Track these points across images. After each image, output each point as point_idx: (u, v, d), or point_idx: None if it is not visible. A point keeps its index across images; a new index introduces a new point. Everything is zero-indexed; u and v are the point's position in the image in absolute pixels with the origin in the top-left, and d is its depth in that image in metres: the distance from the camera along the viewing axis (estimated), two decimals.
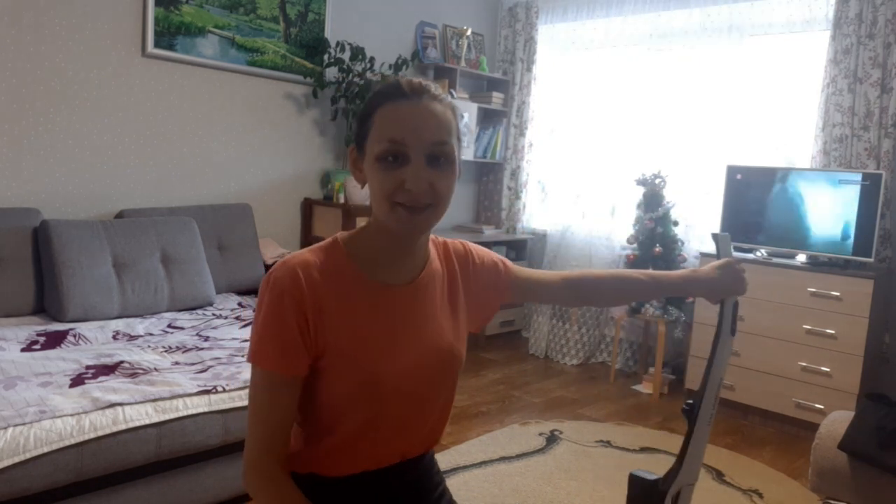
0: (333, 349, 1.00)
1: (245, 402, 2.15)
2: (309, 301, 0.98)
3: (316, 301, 0.99)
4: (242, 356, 2.39)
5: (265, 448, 1.00)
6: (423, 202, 0.97)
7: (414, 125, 0.97)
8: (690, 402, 1.18)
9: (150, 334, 2.62)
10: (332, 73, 3.88)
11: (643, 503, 1.14)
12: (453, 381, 1.14)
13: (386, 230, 1.03)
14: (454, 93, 4.42)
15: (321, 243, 1.06)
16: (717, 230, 3.57)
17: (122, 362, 2.21)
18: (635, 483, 1.15)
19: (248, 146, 3.69)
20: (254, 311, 1.03)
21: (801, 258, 3.38)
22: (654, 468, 1.22)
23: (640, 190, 3.87)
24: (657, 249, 3.74)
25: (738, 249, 3.55)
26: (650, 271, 1.33)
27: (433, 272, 1.11)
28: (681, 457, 1.16)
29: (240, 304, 3.17)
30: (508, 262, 1.26)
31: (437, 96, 1.01)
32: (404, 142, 0.96)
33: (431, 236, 1.14)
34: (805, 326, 3.20)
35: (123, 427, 1.87)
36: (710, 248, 3.69)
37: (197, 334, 2.65)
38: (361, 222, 3.69)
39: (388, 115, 0.98)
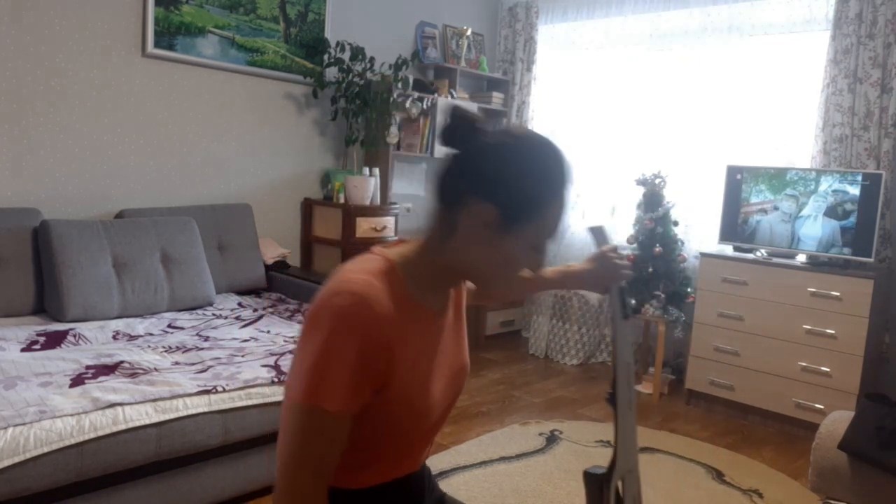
0: (393, 383, 0.95)
1: (245, 403, 2.15)
2: (381, 336, 0.91)
3: (385, 335, 0.92)
4: (243, 356, 2.39)
5: (312, 491, 0.91)
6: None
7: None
8: (611, 391, 1.21)
9: (150, 334, 2.62)
10: (332, 73, 3.88)
11: (596, 496, 1.17)
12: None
13: (454, 269, 1.01)
14: (454, 93, 4.42)
15: (374, 265, 0.97)
16: (716, 230, 3.59)
17: (122, 362, 2.21)
18: (588, 479, 1.18)
19: (248, 146, 3.69)
20: (303, 333, 0.94)
21: (801, 258, 3.38)
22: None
23: (640, 190, 3.87)
24: (657, 249, 3.74)
25: (738, 249, 3.55)
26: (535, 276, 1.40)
27: (454, 302, 1.13)
28: (615, 446, 1.19)
29: (240, 304, 3.17)
30: None
31: None
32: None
33: None
34: (805, 326, 3.20)
35: (123, 427, 1.87)
36: (711, 248, 3.70)
37: (197, 334, 2.65)
38: (362, 222, 3.72)
39: (558, 210, 0.96)
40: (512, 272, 0.98)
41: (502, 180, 0.93)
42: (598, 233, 1.34)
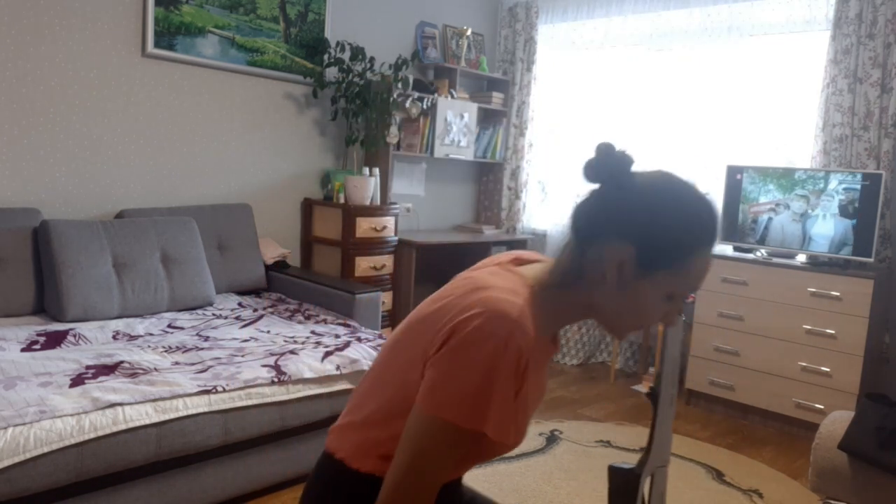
0: (519, 406, 0.96)
1: (245, 403, 2.15)
2: (526, 367, 0.91)
3: (527, 366, 0.92)
4: (243, 356, 2.39)
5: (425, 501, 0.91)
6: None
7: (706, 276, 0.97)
8: (654, 386, 1.21)
9: (150, 334, 2.62)
10: (332, 73, 3.88)
11: (623, 491, 1.16)
12: None
13: (587, 310, 0.99)
14: (454, 93, 4.42)
15: (519, 286, 0.96)
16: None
17: (122, 362, 2.21)
18: (614, 474, 1.17)
19: (248, 146, 3.69)
20: (455, 350, 0.90)
21: (801, 258, 3.38)
22: None
23: None
24: None
25: (738, 249, 3.55)
26: None
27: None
28: (650, 441, 1.18)
29: (240, 304, 3.17)
30: None
31: None
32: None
33: None
34: (805, 326, 3.20)
35: (123, 427, 1.87)
36: None
37: (197, 334, 2.65)
38: (362, 222, 3.72)
39: (701, 266, 0.94)
40: (642, 321, 0.95)
41: (647, 222, 0.92)
42: None
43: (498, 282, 0.95)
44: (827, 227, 3.24)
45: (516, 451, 2.84)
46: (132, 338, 2.56)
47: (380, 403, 1.00)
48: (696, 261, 0.92)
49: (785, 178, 3.36)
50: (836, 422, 2.24)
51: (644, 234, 0.91)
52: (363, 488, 1.01)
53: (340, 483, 1.03)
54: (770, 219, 3.41)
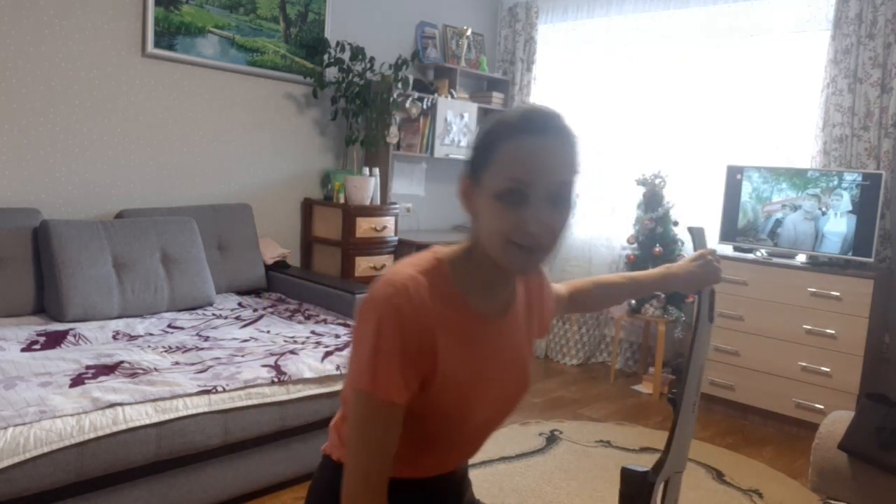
0: (440, 378, 0.96)
1: (245, 403, 2.15)
2: (425, 328, 0.93)
3: (428, 326, 0.94)
4: (243, 356, 2.39)
5: (374, 480, 0.94)
6: (541, 243, 0.93)
7: (540, 166, 0.91)
8: (674, 391, 1.21)
9: (150, 334, 2.62)
10: (332, 73, 3.88)
11: (635, 494, 1.15)
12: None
13: (491, 261, 0.97)
14: (454, 93, 4.42)
15: (423, 260, 1.00)
16: (716, 230, 3.59)
17: (122, 362, 2.21)
18: (627, 476, 1.16)
19: (248, 146, 3.69)
20: (355, 327, 0.98)
21: (801, 258, 3.38)
22: None
23: (640, 190, 3.87)
24: (657, 249, 3.74)
25: (738, 249, 3.56)
26: (630, 274, 1.39)
27: (519, 300, 1.10)
28: (668, 446, 1.17)
29: (240, 304, 3.17)
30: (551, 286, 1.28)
31: (564, 129, 0.95)
32: (528, 182, 0.91)
33: None
34: (805, 326, 3.20)
35: (123, 427, 1.87)
36: (710, 247, 3.69)
37: (197, 334, 2.65)
38: (362, 222, 3.72)
39: (513, 151, 0.91)
40: (494, 235, 0.93)
41: (471, 143, 0.99)
42: (697, 234, 1.35)
43: (402, 262, 0.99)
44: (839, 226, 3.22)
45: (516, 451, 2.84)
46: (132, 338, 2.56)
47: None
48: (506, 148, 0.92)
49: (798, 177, 3.35)
50: (836, 422, 2.24)
51: (469, 153, 0.98)
52: None
53: (337, 482, 1.03)
54: (782, 218, 3.39)
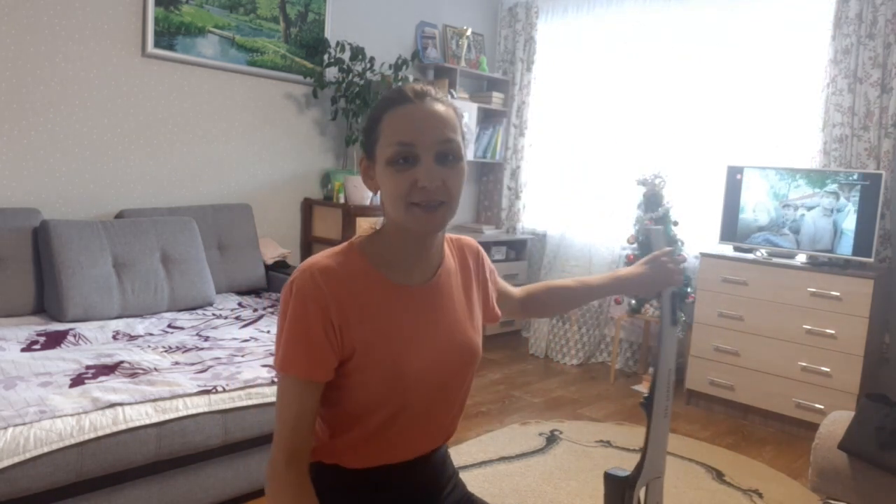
0: (361, 350, 1.02)
1: (245, 403, 2.15)
2: (333, 305, 1.00)
3: (340, 305, 1.01)
4: (243, 356, 2.39)
5: (289, 451, 1.01)
6: (437, 199, 1.00)
7: (421, 126, 1.00)
8: (647, 396, 1.20)
9: (150, 334, 2.62)
10: (332, 73, 3.88)
11: (616, 499, 1.15)
12: (472, 374, 1.18)
13: (402, 232, 1.05)
14: (454, 93, 4.42)
15: (337, 248, 1.08)
16: (717, 230, 3.59)
17: (122, 362, 2.21)
18: (608, 481, 1.17)
19: (248, 146, 3.69)
20: (277, 316, 1.08)
21: (801, 258, 3.38)
22: None
23: (640, 190, 3.87)
24: None
25: (738, 249, 3.55)
26: (582, 278, 1.41)
27: (449, 269, 1.15)
28: (643, 452, 1.17)
29: (240, 304, 3.17)
30: (495, 271, 1.33)
31: (439, 98, 1.04)
32: (413, 142, 0.99)
33: (445, 235, 1.17)
34: (805, 326, 3.20)
35: (123, 427, 1.87)
36: (711, 248, 3.70)
37: (197, 334, 2.65)
38: (362, 222, 3.71)
39: (394, 119, 1.01)
40: (395, 201, 1.01)
41: (360, 130, 1.06)
42: (654, 234, 1.32)
43: (319, 254, 1.07)
44: (839, 225, 3.21)
45: (516, 451, 2.84)
46: (132, 338, 2.56)
47: None
48: (388, 119, 1.02)
49: (797, 176, 3.34)
50: (836, 422, 2.24)
51: (361, 136, 1.09)
52: (329, 478, 1.09)
53: (316, 480, 1.08)
54: (802, 215, 3.37)
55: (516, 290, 1.39)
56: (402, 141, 0.99)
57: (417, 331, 1.08)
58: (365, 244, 1.08)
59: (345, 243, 1.09)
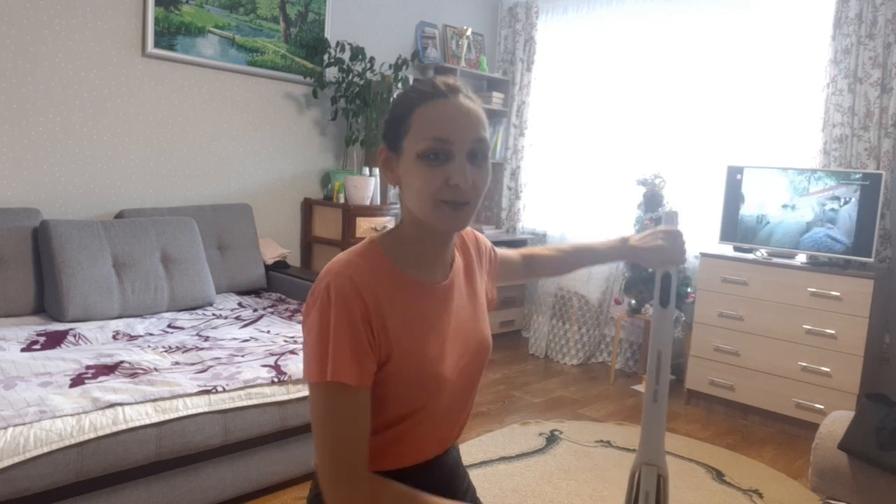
0: (397, 353, 0.99)
1: (245, 403, 2.15)
2: (373, 309, 0.96)
3: (377, 306, 0.97)
4: (243, 356, 2.39)
5: (351, 468, 0.94)
6: (467, 198, 0.98)
7: (457, 123, 0.97)
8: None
9: (150, 334, 2.62)
10: (332, 73, 3.88)
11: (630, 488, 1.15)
12: (485, 368, 1.18)
13: (424, 230, 1.03)
14: None
15: (359, 247, 1.04)
16: (716, 231, 3.59)
17: (122, 362, 2.21)
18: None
19: (248, 146, 3.69)
20: (302, 324, 1.01)
21: (801, 258, 3.38)
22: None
23: (640, 190, 3.87)
24: None
25: (738, 249, 3.55)
26: (588, 243, 1.40)
27: (459, 266, 1.14)
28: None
29: (240, 304, 3.17)
30: (495, 248, 1.32)
31: (469, 95, 1.02)
32: (449, 139, 0.96)
33: None
34: (805, 326, 3.20)
35: (123, 427, 1.87)
36: (710, 248, 3.70)
37: (197, 334, 2.65)
38: (362, 222, 3.72)
39: (429, 113, 0.97)
40: (423, 196, 0.97)
41: (385, 118, 1.04)
42: (671, 217, 1.29)
43: (341, 253, 1.04)
44: (839, 225, 3.21)
45: (516, 451, 2.84)
46: (132, 338, 2.56)
47: None
48: (422, 113, 0.98)
49: (798, 177, 3.34)
50: (836, 422, 2.24)
51: (384, 127, 1.04)
52: None
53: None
54: (802, 215, 3.38)
55: (517, 254, 1.38)
56: (438, 136, 0.96)
57: (444, 330, 1.06)
58: (386, 242, 1.05)
59: (364, 242, 1.05)
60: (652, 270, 1.31)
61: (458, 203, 0.97)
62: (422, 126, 0.97)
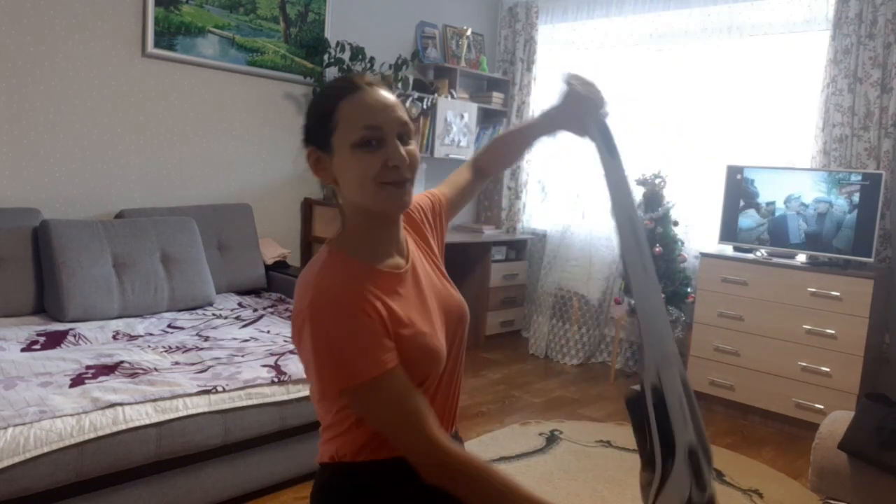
0: (395, 337, 1.03)
1: (245, 403, 2.15)
2: (364, 300, 1.01)
3: (367, 300, 1.01)
4: (243, 356, 2.39)
5: (432, 434, 0.99)
6: (407, 176, 1.04)
7: (383, 110, 1.03)
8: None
9: (150, 334, 2.62)
10: (332, 73, 3.88)
11: (637, 420, 1.03)
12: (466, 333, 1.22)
13: (372, 219, 1.08)
14: (454, 93, 4.42)
15: (318, 258, 1.08)
16: (716, 230, 3.58)
17: (122, 362, 2.21)
18: (627, 406, 1.04)
19: (248, 146, 3.69)
20: (297, 347, 1.06)
21: (801, 258, 3.38)
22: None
23: (640, 190, 3.87)
24: (657, 249, 3.74)
25: (738, 249, 3.55)
26: (519, 126, 1.43)
27: (412, 245, 1.19)
28: (640, 335, 1.08)
29: (240, 304, 3.17)
30: (436, 192, 1.37)
31: (383, 85, 1.08)
32: (379, 125, 1.02)
33: None
34: (805, 326, 3.20)
35: (123, 427, 1.88)
36: (710, 248, 3.70)
37: (197, 334, 2.65)
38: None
39: (354, 106, 1.03)
40: (364, 185, 1.02)
41: (305, 121, 1.09)
42: (567, 82, 1.22)
43: (304, 271, 1.07)
44: (839, 225, 3.21)
45: (516, 451, 2.84)
46: (132, 338, 2.56)
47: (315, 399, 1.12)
48: (347, 107, 1.03)
49: (798, 176, 3.34)
50: (836, 422, 2.24)
51: (306, 130, 1.08)
52: (359, 477, 1.08)
53: (336, 480, 1.08)
54: (802, 215, 3.37)
55: (464, 171, 1.43)
56: (369, 124, 1.01)
57: (428, 305, 1.11)
58: (342, 244, 1.09)
59: (322, 254, 1.09)
60: (587, 137, 1.27)
61: (400, 182, 1.03)
62: (350, 119, 1.02)
